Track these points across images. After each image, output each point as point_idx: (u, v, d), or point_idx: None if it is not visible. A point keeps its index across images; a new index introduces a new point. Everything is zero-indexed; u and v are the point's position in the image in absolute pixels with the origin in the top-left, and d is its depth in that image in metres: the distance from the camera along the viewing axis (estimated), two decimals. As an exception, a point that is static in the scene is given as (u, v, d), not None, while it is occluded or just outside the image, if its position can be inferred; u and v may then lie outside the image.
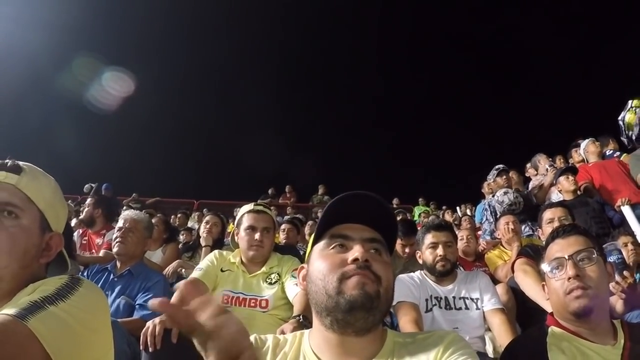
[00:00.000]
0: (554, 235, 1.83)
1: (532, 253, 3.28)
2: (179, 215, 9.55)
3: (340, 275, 1.13)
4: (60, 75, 17.78)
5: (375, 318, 1.13)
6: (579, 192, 5.26)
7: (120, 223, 3.42)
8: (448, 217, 10.44)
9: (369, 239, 1.22)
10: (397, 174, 19.18)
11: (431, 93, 21.98)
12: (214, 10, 20.41)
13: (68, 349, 1.09)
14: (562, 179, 5.29)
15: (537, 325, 1.78)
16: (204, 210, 11.05)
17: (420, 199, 14.06)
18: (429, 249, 3.03)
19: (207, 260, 2.99)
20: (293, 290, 2.72)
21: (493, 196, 6.09)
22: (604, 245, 2.92)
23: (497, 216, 5.37)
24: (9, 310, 1.05)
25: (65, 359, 1.08)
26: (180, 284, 0.81)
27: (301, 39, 21.06)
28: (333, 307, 1.11)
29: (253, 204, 3.11)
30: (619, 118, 5.49)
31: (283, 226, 5.68)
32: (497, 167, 6.39)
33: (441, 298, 2.89)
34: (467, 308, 2.86)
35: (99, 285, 3.14)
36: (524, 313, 3.15)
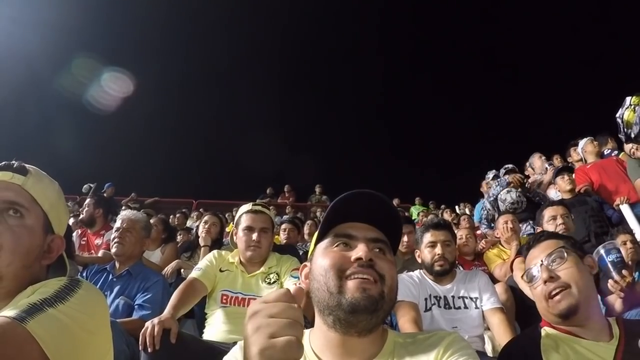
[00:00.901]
0: (528, 246, 1.85)
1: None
2: (177, 215, 9.56)
3: (341, 273, 1.12)
4: (59, 76, 17.78)
5: (378, 319, 1.13)
6: (578, 192, 5.27)
7: (118, 223, 3.42)
8: (447, 216, 10.44)
9: (373, 239, 1.21)
10: (395, 173, 19.23)
11: (431, 92, 21.97)
12: (213, 10, 20.40)
13: (67, 350, 1.09)
14: (558, 179, 5.31)
15: (532, 327, 1.79)
16: (201, 209, 11.07)
17: (417, 199, 14.08)
18: (427, 248, 3.04)
19: (206, 260, 2.98)
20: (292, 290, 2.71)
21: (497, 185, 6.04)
22: (602, 244, 2.94)
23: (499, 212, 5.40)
24: (8, 313, 1.05)
25: None
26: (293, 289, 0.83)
27: (300, 38, 21.07)
28: (335, 305, 1.10)
29: (251, 204, 3.11)
30: (617, 115, 5.48)
31: (284, 226, 5.67)
32: (506, 166, 6.39)
33: (440, 297, 2.89)
34: (466, 307, 2.86)
35: (98, 285, 3.16)
36: (523, 312, 3.15)
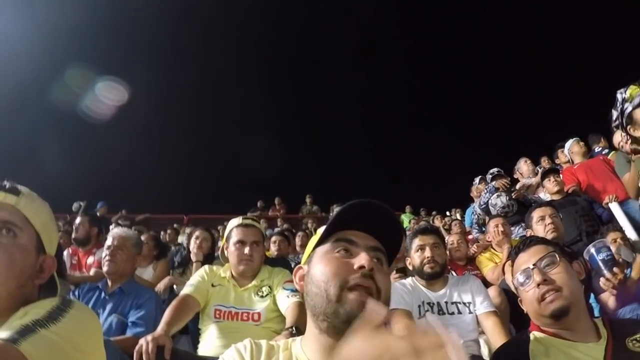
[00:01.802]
0: (517, 250, 1.88)
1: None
2: (169, 231, 9.55)
3: (343, 282, 1.12)
4: (47, 88, 17.68)
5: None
6: (567, 192, 5.30)
7: (109, 241, 3.40)
8: (438, 222, 10.47)
9: (373, 248, 1.22)
10: (384, 182, 19.28)
11: (419, 100, 22.11)
12: (204, 20, 20.45)
13: None
14: (545, 181, 5.34)
15: (520, 333, 1.83)
16: (191, 225, 11.05)
17: (407, 207, 14.13)
18: (416, 252, 3.08)
19: (198, 275, 2.97)
20: (285, 302, 2.72)
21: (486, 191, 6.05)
22: (593, 243, 2.96)
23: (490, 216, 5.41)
24: (1, 335, 1.05)
25: None
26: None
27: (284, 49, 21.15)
28: (331, 313, 1.10)
29: (241, 217, 3.09)
30: (619, 91, 5.47)
31: (274, 238, 5.66)
32: (491, 171, 6.37)
33: (434, 304, 2.90)
34: (459, 312, 2.87)
35: (91, 303, 3.15)
36: (517, 314, 3.16)
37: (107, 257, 3.28)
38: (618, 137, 4.73)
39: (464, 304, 2.90)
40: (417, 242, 3.11)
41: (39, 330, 1.10)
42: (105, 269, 3.29)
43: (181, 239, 9.21)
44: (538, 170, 7.12)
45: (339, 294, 1.11)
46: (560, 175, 5.45)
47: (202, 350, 2.74)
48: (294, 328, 2.41)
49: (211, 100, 21.38)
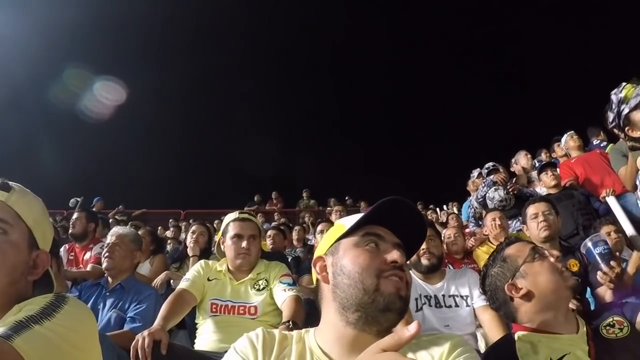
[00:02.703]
0: (508, 242, 1.92)
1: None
2: (172, 228, 9.58)
3: (378, 272, 1.14)
4: (44, 86, 17.64)
5: (399, 322, 1.15)
6: (564, 186, 5.30)
7: (108, 239, 3.45)
8: (435, 215, 10.48)
9: (398, 244, 1.23)
10: (382, 174, 19.26)
11: (415, 93, 22.06)
12: (204, 21, 20.40)
13: None
14: (542, 175, 5.34)
15: (503, 336, 1.90)
16: (191, 220, 11.07)
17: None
18: None
19: (194, 270, 2.96)
20: (282, 296, 2.72)
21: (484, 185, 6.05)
22: (589, 237, 2.95)
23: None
24: None
25: None
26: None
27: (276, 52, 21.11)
28: (368, 303, 1.12)
29: (238, 212, 3.09)
30: (613, 92, 5.47)
31: (269, 232, 5.63)
32: (487, 165, 6.36)
33: (431, 297, 2.91)
34: (457, 306, 2.88)
35: (92, 299, 3.20)
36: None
37: (105, 254, 3.32)
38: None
39: (462, 297, 2.91)
40: None
41: (32, 327, 1.09)
42: (104, 265, 3.33)
43: (184, 235, 9.25)
44: (536, 164, 7.11)
45: (376, 283, 1.12)
46: (558, 169, 5.45)
47: (198, 345, 2.74)
48: (290, 322, 2.40)
49: (208, 95, 21.34)
